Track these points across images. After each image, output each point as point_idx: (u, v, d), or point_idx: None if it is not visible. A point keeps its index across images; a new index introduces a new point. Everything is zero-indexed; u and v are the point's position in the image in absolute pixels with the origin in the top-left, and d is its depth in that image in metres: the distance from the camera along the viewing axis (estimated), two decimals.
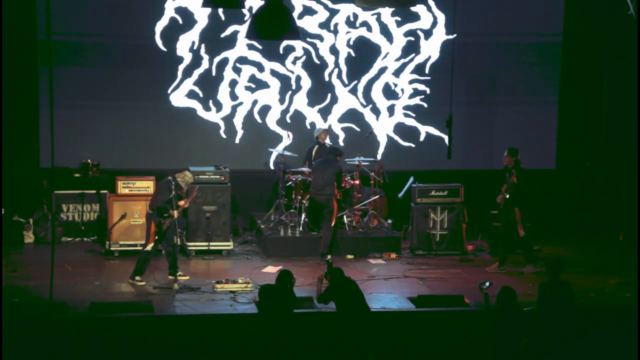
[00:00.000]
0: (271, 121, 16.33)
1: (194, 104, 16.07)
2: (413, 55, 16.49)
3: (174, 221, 12.95)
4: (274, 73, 16.24)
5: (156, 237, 12.87)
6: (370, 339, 10.35)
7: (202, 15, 15.85)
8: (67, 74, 15.36)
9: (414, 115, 16.59)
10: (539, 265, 13.48)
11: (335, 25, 16.30)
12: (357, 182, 15.24)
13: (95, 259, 14.27)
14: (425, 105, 16.55)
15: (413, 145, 16.61)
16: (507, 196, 13.60)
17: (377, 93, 16.50)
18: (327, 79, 16.37)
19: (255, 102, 16.26)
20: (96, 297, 12.01)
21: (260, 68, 16.18)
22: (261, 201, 16.33)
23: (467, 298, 12.14)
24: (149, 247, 12.86)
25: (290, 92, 16.31)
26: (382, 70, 16.47)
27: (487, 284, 10.22)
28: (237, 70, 16.14)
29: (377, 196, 15.42)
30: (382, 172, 15.57)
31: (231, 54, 16.06)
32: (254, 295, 11.95)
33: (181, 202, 13.05)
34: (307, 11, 16.18)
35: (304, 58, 16.26)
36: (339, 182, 14.45)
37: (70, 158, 15.49)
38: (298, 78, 16.31)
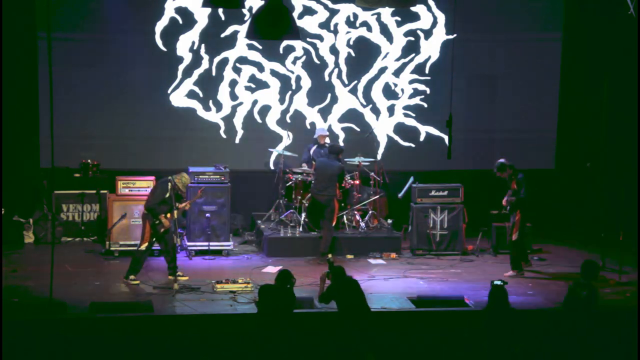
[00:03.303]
0: (271, 121, 16.33)
1: (194, 104, 16.07)
2: (413, 55, 16.49)
3: (174, 221, 12.95)
4: (274, 73, 16.24)
5: (153, 238, 12.87)
6: (370, 339, 10.34)
7: (202, 15, 15.85)
8: (67, 73, 15.35)
9: (414, 115, 16.59)
10: (521, 273, 13.49)
11: (335, 25, 16.30)
12: (357, 182, 15.24)
13: (95, 259, 14.27)
14: (425, 105, 16.55)
15: (413, 145, 16.61)
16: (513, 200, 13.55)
17: (377, 93, 16.50)
18: (327, 79, 16.37)
19: (255, 102, 16.26)
20: (96, 297, 12.01)
21: (260, 68, 16.18)
22: (261, 201, 16.32)
23: (467, 298, 12.15)
24: (144, 247, 12.86)
25: (290, 92, 16.31)
26: (382, 70, 16.47)
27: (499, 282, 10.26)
28: (237, 70, 16.14)
29: (377, 196, 15.42)
30: (382, 172, 15.57)
31: (231, 54, 16.07)
32: (254, 295, 11.95)
33: (181, 205, 13.04)
34: (307, 11, 16.18)
35: (304, 58, 16.26)
36: (340, 182, 14.46)
37: (70, 158, 15.49)
38: (298, 78, 16.31)
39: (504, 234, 14.37)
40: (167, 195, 12.79)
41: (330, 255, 13.46)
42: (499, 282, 10.24)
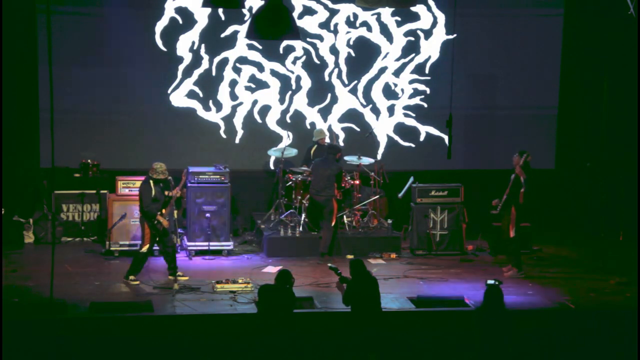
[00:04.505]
0: (271, 121, 16.33)
1: (194, 104, 16.07)
2: (413, 55, 16.49)
3: (174, 221, 12.94)
4: (274, 73, 16.24)
5: (155, 239, 12.86)
6: (377, 339, 10.31)
7: (202, 15, 15.85)
8: (67, 74, 15.35)
9: (414, 115, 16.59)
10: (522, 273, 13.45)
11: (335, 25, 16.30)
12: (357, 182, 15.24)
13: (95, 259, 14.26)
14: (425, 105, 16.55)
15: (413, 145, 16.61)
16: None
17: (377, 93, 16.50)
18: (327, 79, 16.37)
19: (255, 102, 16.26)
20: (96, 297, 12.01)
21: (260, 68, 16.18)
22: (261, 201, 16.33)
23: (467, 298, 12.15)
24: (145, 249, 12.84)
25: (290, 92, 16.31)
26: (382, 70, 16.47)
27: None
28: (237, 70, 16.14)
29: (377, 196, 15.42)
30: (382, 172, 15.57)
31: (231, 54, 16.07)
32: (254, 295, 11.96)
33: (172, 193, 13.01)
34: (307, 11, 16.18)
35: (304, 58, 16.26)
36: (339, 183, 14.45)
37: (70, 158, 15.49)
38: (298, 78, 16.31)
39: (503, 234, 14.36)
40: (153, 193, 12.78)
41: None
42: (492, 282, 10.24)
